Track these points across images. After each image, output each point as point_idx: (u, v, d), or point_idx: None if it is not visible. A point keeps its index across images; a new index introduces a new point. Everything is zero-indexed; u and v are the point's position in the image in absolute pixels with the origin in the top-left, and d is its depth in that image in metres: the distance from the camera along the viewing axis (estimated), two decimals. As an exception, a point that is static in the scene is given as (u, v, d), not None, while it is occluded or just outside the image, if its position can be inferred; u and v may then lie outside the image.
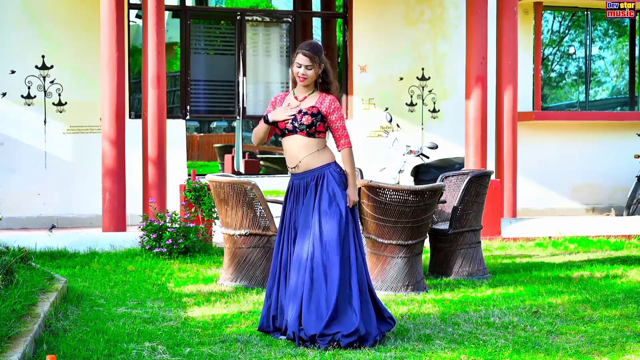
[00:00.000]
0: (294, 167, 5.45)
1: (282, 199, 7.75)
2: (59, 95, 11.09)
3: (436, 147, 10.70)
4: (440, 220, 8.18)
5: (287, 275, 5.43)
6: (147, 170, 9.42)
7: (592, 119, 13.28)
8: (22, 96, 10.97)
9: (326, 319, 5.15)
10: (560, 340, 5.37)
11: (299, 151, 5.42)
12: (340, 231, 5.29)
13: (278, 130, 5.49)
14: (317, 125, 5.40)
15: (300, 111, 5.40)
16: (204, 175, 8.64)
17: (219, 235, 8.99)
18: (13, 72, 10.93)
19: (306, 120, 5.38)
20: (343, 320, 5.19)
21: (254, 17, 12.10)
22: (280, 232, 5.54)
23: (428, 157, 10.95)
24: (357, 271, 5.32)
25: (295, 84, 5.57)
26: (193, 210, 8.91)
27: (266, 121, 5.44)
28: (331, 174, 5.40)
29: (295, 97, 5.52)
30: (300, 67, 5.42)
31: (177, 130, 11.43)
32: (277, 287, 5.48)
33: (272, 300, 5.48)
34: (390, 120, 10.76)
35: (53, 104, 11.08)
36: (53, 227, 10.31)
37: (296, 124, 5.40)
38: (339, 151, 5.50)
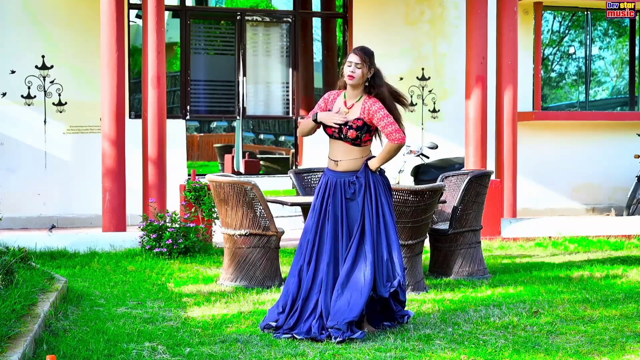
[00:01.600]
0: (335, 163, 5.64)
1: (282, 199, 7.77)
2: (59, 95, 11.09)
3: (436, 147, 10.70)
4: (440, 220, 8.18)
5: (316, 265, 5.56)
6: (147, 170, 9.42)
7: (592, 119, 13.28)
8: (22, 96, 10.97)
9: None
10: (560, 340, 5.37)
11: (342, 155, 5.64)
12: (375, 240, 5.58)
13: (329, 130, 5.65)
14: (362, 137, 5.59)
15: (346, 124, 5.57)
16: (204, 175, 8.64)
17: (219, 235, 8.99)
18: (13, 72, 10.93)
19: (351, 134, 5.58)
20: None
21: (254, 17, 12.10)
22: (316, 224, 5.61)
23: (428, 157, 10.95)
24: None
25: (345, 86, 5.70)
26: (193, 210, 8.91)
27: (315, 120, 5.66)
28: (374, 180, 5.61)
29: (345, 103, 5.66)
30: (350, 65, 5.61)
31: (177, 130, 11.43)
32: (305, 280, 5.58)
33: (297, 295, 5.55)
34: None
35: (53, 104, 11.08)
36: (53, 227, 10.31)
37: (342, 135, 5.60)
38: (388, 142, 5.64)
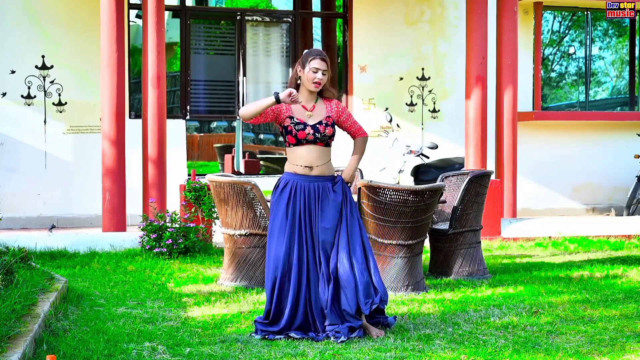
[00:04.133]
0: (308, 168, 5.53)
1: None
2: (59, 95, 11.09)
3: (436, 147, 10.70)
4: (440, 220, 8.18)
5: (306, 276, 5.49)
6: (147, 170, 9.42)
7: (592, 119, 13.28)
8: (22, 96, 10.97)
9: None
10: (560, 340, 5.37)
11: (316, 159, 5.55)
12: (364, 238, 5.58)
13: (292, 139, 5.52)
14: (334, 134, 5.61)
15: (320, 122, 5.54)
16: (204, 175, 8.64)
17: (219, 235, 8.99)
18: (13, 72, 10.93)
19: (329, 131, 5.55)
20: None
21: (254, 17, 12.10)
22: (289, 230, 5.49)
23: (428, 157, 10.95)
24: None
25: (296, 89, 5.59)
26: (193, 210, 8.91)
27: (277, 99, 5.36)
28: (343, 182, 5.64)
29: (303, 106, 5.58)
30: (317, 72, 5.51)
31: (177, 130, 11.43)
32: (297, 286, 5.48)
33: (290, 300, 5.46)
34: (390, 120, 10.76)
35: (53, 104, 11.08)
36: (53, 227, 10.31)
37: (318, 135, 5.53)
38: (356, 138, 5.77)
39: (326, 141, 5.56)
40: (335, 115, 5.62)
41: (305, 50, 5.69)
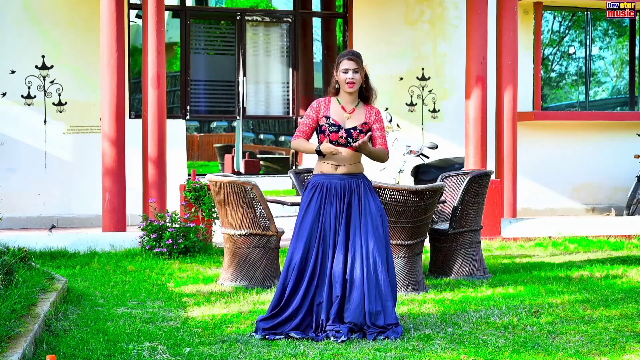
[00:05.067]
0: (334, 167, 5.54)
1: (282, 199, 7.78)
2: (59, 95, 11.09)
3: (436, 147, 10.70)
4: (440, 220, 8.18)
5: (318, 277, 5.49)
6: (147, 170, 9.42)
7: (592, 119, 13.28)
8: (22, 96, 10.97)
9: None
10: (560, 340, 5.37)
11: (343, 159, 5.55)
12: (384, 241, 5.57)
13: (324, 139, 5.55)
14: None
15: (355, 128, 5.53)
16: (204, 175, 8.64)
17: (219, 235, 8.99)
18: (13, 72, 10.93)
19: (362, 138, 5.48)
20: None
21: (254, 17, 12.10)
22: (309, 231, 5.51)
23: (428, 157, 10.95)
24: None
25: (336, 93, 5.62)
26: (193, 210, 8.91)
27: (318, 153, 5.50)
28: (368, 183, 5.65)
29: (343, 108, 5.59)
30: (347, 72, 5.53)
31: (177, 130, 11.43)
32: (312, 287, 5.49)
33: (304, 300, 5.47)
34: (390, 120, 10.76)
35: (53, 104, 11.08)
36: (53, 227, 10.31)
37: (351, 140, 5.53)
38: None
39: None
40: (371, 123, 5.61)
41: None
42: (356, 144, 5.45)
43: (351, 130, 5.54)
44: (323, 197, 5.56)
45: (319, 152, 5.52)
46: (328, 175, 5.58)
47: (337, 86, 5.62)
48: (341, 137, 5.53)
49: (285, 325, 5.46)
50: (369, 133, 5.52)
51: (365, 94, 5.65)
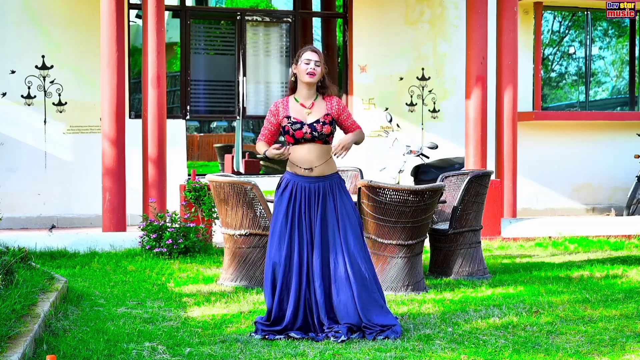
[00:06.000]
0: (308, 170, 5.53)
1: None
2: (59, 95, 11.09)
3: (436, 147, 10.70)
4: (440, 220, 8.18)
5: (306, 277, 5.49)
6: (147, 170, 9.43)
7: (592, 119, 13.28)
8: (22, 96, 10.97)
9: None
10: (560, 340, 5.37)
11: (315, 158, 5.54)
12: (362, 240, 5.58)
13: (290, 139, 5.55)
14: (334, 132, 5.59)
15: (318, 121, 5.52)
16: (204, 175, 8.64)
17: (219, 235, 8.99)
18: (13, 72, 10.93)
19: (326, 129, 5.53)
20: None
21: (254, 17, 12.10)
22: (290, 231, 5.51)
23: (428, 157, 10.95)
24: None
25: (293, 90, 5.64)
26: (193, 210, 8.91)
27: (265, 157, 5.55)
28: (341, 182, 5.63)
29: (302, 104, 5.58)
30: (309, 62, 5.52)
31: (177, 130, 11.43)
32: (297, 287, 5.48)
33: (292, 299, 5.46)
34: (390, 120, 10.76)
35: (53, 104, 11.08)
36: (53, 227, 10.31)
37: (316, 134, 5.52)
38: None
39: (324, 139, 5.55)
40: (335, 113, 5.59)
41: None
42: (339, 154, 5.49)
43: (314, 124, 5.52)
44: (298, 197, 5.54)
45: (266, 158, 5.51)
46: (302, 177, 5.56)
47: (294, 80, 5.62)
48: (306, 133, 5.51)
49: (287, 329, 5.47)
50: (340, 143, 5.49)
51: (324, 90, 5.64)
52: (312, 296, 5.48)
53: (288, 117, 5.56)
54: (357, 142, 5.66)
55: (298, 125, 5.53)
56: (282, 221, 5.53)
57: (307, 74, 5.52)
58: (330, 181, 5.58)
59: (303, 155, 5.53)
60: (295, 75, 5.62)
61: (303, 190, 5.54)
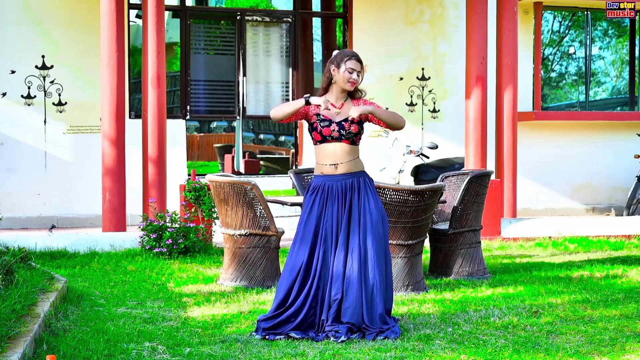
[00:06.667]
0: (333, 166, 5.57)
1: (282, 199, 7.77)
2: (59, 95, 11.09)
3: (436, 147, 10.70)
4: (440, 220, 8.18)
5: (323, 277, 5.51)
6: (147, 170, 9.43)
7: (592, 119, 13.28)
8: (22, 96, 10.97)
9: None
10: (560, 340, 5.37)
11: (341, 156, 5.59)
12: (383, 239, 5.58)
13: (318, 136, 5.60)
14: (362, 132, 5.64)
15: (346, 119, 5.58)
16: (204, 175, 8.64)
17: (219, 235, 8.99)
18: (13, 72, 10.93)
19: (354, 128, 5.58)
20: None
21: (254, 17, 12.10)
22: (313, 234, 5.54)
23: (428, 157, 10.95)
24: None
25: (326, 90, 5.69)
26: (193, 210, 8.91)
27: (307, 102, 5.53)
28: (368, 181, 5.66)
29: (332, 104, 5.64)
30: (352, 72, 5.60)
31: (177, 130, 11.43)
32: (311, 286, 5.50)
33: (306, 299, 5.48)
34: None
35: (53, 104, 11.08)
36: (53, 227, 10.31)
37: (343, 132, 5.57)
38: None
39: (352, 139, 5.59)
40: (364, 115, 5.62)
41: (337, 51, 5.77)
42: (356, 114, 5.50)
43: (342, 123, 5.58)
44: (325, 198, 5.60)
45: (307, 102, 5.52)
46: (328, 176, 5.61)
47: (331, 81, 5.66)
48: (334, 130, 5.58)
49: (286, 325, 5.47)
50: (363, 107, 5.55)
51: (354, 94, 5.73)
52: (327, 296, 5.49)
53: (318, 115, 5.63)
54: (390, 120, 5.65)
55: (327, 123, 5.59)
56: (307, 224, 5.58)
57: (349, 82, 5.60)
58: (357, 178, 5.63)
59: (329, 153, 5.60)
60: (330, 76, 5.66)
61: (330, 189, 5.59)
